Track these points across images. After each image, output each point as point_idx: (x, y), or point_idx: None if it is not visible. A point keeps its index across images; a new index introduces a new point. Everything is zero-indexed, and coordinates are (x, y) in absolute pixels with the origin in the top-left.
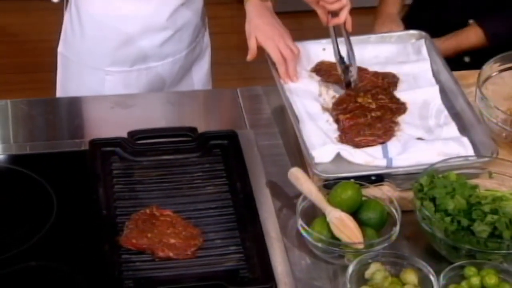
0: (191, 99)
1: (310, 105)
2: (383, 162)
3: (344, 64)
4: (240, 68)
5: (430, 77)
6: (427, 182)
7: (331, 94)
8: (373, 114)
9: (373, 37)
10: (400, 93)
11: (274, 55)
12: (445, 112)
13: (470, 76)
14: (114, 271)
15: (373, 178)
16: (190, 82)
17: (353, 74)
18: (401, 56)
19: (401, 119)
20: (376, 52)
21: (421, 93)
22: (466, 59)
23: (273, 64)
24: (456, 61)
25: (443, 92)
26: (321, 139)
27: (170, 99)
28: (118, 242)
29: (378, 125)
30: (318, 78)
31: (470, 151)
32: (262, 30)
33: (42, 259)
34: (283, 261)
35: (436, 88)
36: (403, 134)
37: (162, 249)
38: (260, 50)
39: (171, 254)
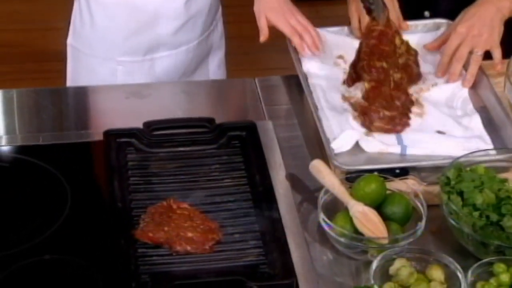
0: (207, 89)
1: (331, 93)
2: (397, 149)
3: None
4: (254, 58)
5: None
6: (454, 175)
7: (356, 85)
8: (396, 77)
9: None
10: (428, 83)
11: (287, 30)
12: (470, 106)
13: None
14: (130, 265)
15: (397, 171)
16: (205, 72)
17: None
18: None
19: (426, 108)
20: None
21: (450, 84)
22: (426, 13)
23: (295, 50)
24: (416, 15)
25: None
26: (340, 127)
27: (186, 89)
28: (134, 236)
29: (397, 103)
30: (343, 66)
31: (490, 147)
32: (272, 8)
33: (57, 253)
34: (304, 257)
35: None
36: (424, 123)
37: (180, 243)
38: (273, 39)
39: (188, 248)
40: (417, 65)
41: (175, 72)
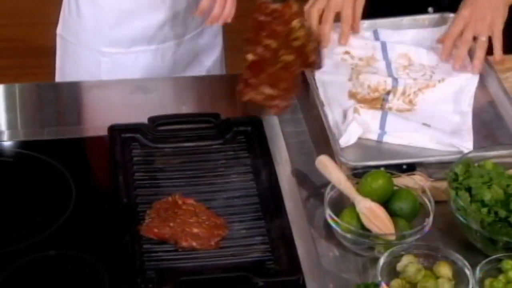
0: (212, 84)
1: (337, 89)
2: (374, 136)
3: None
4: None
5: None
6: (462, 171)
7: (361, 80)
8: (286, 58)
9: (405, 19)
10: (435, 79)
11: None
12: (470, 102)
13: (506, 60)
14: (135, 261)
15: (404, 167)
16: (199, 70)
17: None
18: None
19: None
20: (409, 36)
21: (458, 79)
22: (430, 10)
23: None
24: (420, 12)
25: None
26: (346, 123)
27: (191, 84)
28: (139, 231)
29: (281, 85)
30: (350, 61)
31: (468, 145)
32: None
33: (62, 248)
34: (310, 253)
35: (475, 77)
36: (411, 116)
37: (185, 239)
38: None
39: (194, 244)
40: (317, 54)
41: (162, 68)
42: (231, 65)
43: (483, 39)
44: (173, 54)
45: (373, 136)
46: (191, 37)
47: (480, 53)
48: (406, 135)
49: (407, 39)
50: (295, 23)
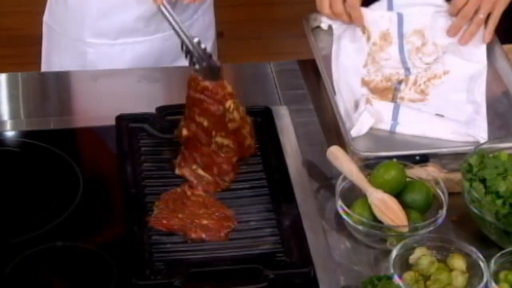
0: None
1: (350, 76)
2: (386, 126)
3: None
4: (266, 42)
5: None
6: (476, 162)
7: (375, 68)
8: (220, 142)
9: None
10: (447, 57)
11: None
12: (482, 92)
13: None
14: (144, 253)
15: (417, 158)
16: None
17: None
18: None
19: (431, 95)
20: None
21: (468, 66)
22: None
23: (312, 33)
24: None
25: (492, 68)
26: (358, 113)
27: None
28: (148, 223)
29: (214, 170)
30: (369, 45)
31: (483, 135)
32: None
33: (69, 240)
34: (322, 245)
35: (484, 66)
36: (424, 106)
37: (195, 230)
38: (286, 24)
39: (203, 236)
40: (251, 136)
41: (149, 60)
42: (243, 54)
43: (481, 16)
44: (161, 47)
45: (386, 127)
46: None
47: (474, 29)
48: (420, 125)
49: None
50: (229, 104)
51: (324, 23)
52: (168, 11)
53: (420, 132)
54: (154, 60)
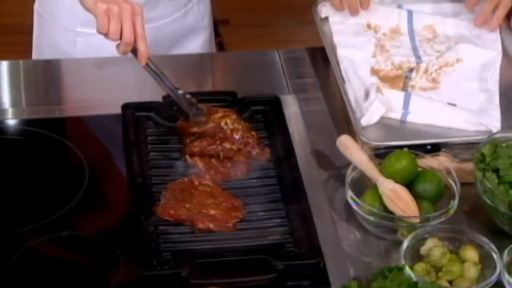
0: (228, 62)
1: (359, 65)
2: (397, 115)
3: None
4: (273, 30)
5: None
6: (489, 151)
7: (385, 57)
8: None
9: None
10: (461, 46)
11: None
12: (495, 80)
13: None
14: (151, 243)
15: (428, 147)
16: (183, 52)
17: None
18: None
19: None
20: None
21: (481, 54)
22: None
23: (321, 21)
24: None
25: (505, 55)
26: (368, 102)
27: (206, 61)
28: (155, 213)
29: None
30: (376, 35)
31: (496, 124)
32: None
33: (75, 229)
34: (331, 236)
35: (498, 53)
36: (436, 95)
37: (202, 221)
38: (292, 11)
39: (211, 226)
40: (259, 145)
41: None
42: (249, 41)
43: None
44: (154, 36)
45: (396, 116)
46: (173, 20)
47: (501, 12)
48: (431, 114)
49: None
50: (224, 121)
51: (324, 13)
52: (154, 66)
53: (432, 121)
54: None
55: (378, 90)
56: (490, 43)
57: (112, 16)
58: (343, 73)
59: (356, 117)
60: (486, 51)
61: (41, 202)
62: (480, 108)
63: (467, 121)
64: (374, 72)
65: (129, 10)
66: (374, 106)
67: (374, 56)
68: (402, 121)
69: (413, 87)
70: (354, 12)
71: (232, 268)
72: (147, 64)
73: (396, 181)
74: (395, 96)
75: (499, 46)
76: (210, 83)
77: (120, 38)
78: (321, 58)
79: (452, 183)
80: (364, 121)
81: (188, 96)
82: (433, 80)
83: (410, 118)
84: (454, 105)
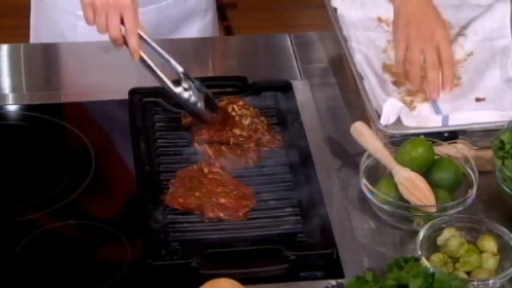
0: (238, 46)
1: (370, 61)
2: (437, 122)
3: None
4: (281, 14)
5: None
6: (509, 139)
7: None
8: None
9: None
10: (463, 54)
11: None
12: None
13: None
14: (159, 232)
15: (446, 134)
16: (186, 35)
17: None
18: None
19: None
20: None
21: (492, 44)
22: None
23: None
24: None
25: None
26: (384, 95)
27: (215, 46)
28: (163, 201)
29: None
30: (385, 28)
31: None
32: None
33: (81, 218)
34: (345, 225)
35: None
36: (461, 92)
37: (212, 209)
38: None
39: (221, 215)
40: (269, 131)
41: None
42: (257, 26)
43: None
44: (156, 19)
45: (437, 123)
46: (175, 1)
47: (447, 73)
48: (467, 115)
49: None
50: (231, 107)
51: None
52: (150, 60)
53: (473, 120)
54: (149, 32)
55: (409, 103)
56: (498, 30)
57: (97, 9)
58: (359, 68)
59: (371, 104)
60: (498, 41)
61: (46, 190)
62: (502, 95)
63: (503, 116)
64: (386, 68)
65: (115, 3)
66: (388, 105)
67: (385, 51)
68: (445, 126)
69: None
70: (434, 96)
71: (243, 259)
72: (141, 58)
73: (412, 169)
74: (424, 108)
75: (508, 32)
76: (218, 68)
77: None
78: (334, 43)
79: (470, 171)
80: (384, 121)
81: (202, 87)
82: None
83: (452, 122)
84: (484, 100)
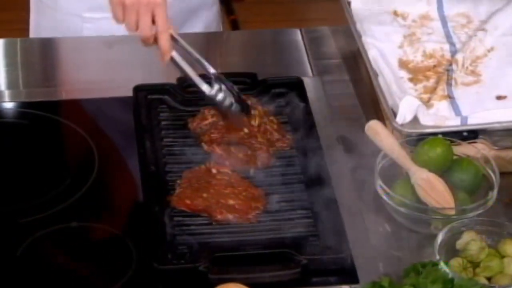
0: (246, 41)
1: (385, 57)
2: (456, 122)
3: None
4: (290, 8)
5: None
6: None
7: (416, 48)
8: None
9: None
10: (483, 49)
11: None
12: None
13: None
14: (166, 235)
15: (465, 133)
16: (191, 29)
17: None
18: None
19: (484, 75)
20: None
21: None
22: None
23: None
24: None
25: None
26: (400, 92)
27: (223, 41)
28: (170, 203)
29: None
30: (403, 23)
31: None
32: None
33: (84, 220)
34: (359, 228)
35: None
36: (481, 89)
37: (220, 211)
38: None
39: (230, 217)
40: (279, 131)
41: None
42: (264, 20)
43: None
44: None
45: (455, 123)
46: None
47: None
48: (488, 113)
49: None
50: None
51: None
52: (181, 63)
53: (495, 119)
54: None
55: (426, 100)
56: None
57: (127, 7)
58: (374, 65)
59: (387, 101)
60: None
61: (48, 190)
62: None
63: None
64: (403, 64)
65: (150, 4)
66: (405, 101)
67: (401, 46)
68: (464, 125)
69: (455, 81)
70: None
71: (253, 263)
72: (172, 59)
73: (430, 170)
74: (442, 106)
75: None
76: (225, 64)
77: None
78: (347, 37)
79: (491, 172)
80: (400, 120)
81: (234, 88)
82: (473, 72)
83: (471, 121)
84: (505, 97)
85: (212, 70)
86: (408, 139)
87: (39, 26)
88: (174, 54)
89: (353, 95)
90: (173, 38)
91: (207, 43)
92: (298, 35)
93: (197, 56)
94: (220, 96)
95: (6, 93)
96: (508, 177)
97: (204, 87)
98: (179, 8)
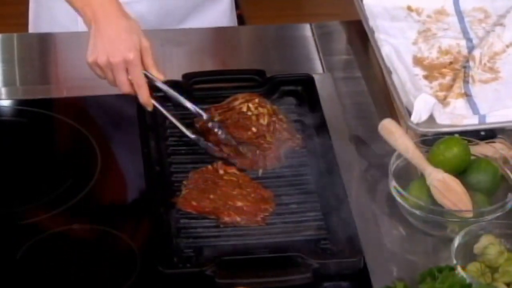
0: (255, 37)
1: (399, 54)
2: (474, 120)
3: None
4: (298, 2)
5: None
6: None
7: (431, 44)
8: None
9: None
10: (502, 45)
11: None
12: None
13: None
14: (171, 238)
15: (482, 133)
16: (198, 25)
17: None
18: None
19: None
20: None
21: None
22: None
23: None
24: None
25: None
26: (415, 90)
27: (231, 36)
28: (175, 204)
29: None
30: (418, 18)
31: None
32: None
33: (86, 222)
34: (372, 231)
35: None
36: (499, 86)
37: (228, 213)
38: None
39: (238, 220)
40: (289, 130)
41: (150, 22)
42: (272, 15)
43: None
44: (164, 7)
45: (473, 121)
46: None
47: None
48: (507, 112)
49: None
50: (246, 107)
51: None
52: (160, 106)
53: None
54: (156, 21)
55: (442, 98)
56: None
57: (102, 68)
58: (387, 62)
59: (401, 100)
60: None
61: (49, 191)
62: None
63: None
64: (417, 61)
65: (117, 61)
66: (420, 98)
67: (415, 43)
68: (482, 123)
69: (473, 78)
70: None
71: (261, 267)
72: (154, 107)
73: (446, 171)
74: (459, 104)
75: None
76: (231, 61)
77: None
78: (358, 33)
79: (510, 173)
80: (415, 119)
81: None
82: (491, 69)
83: (489, 120)
84: None
85: (205, 116)
86: (423, 139)
87: (37, 16)
88: (155, 104)
89: (365, 93)
90: (155, 88)
91: (212, 39)
92: (308, 30)
93: (182, 99)
94: (201, 142)
95: (3, 91)
96: None
97: (188, 133)
98: (185, 2)
